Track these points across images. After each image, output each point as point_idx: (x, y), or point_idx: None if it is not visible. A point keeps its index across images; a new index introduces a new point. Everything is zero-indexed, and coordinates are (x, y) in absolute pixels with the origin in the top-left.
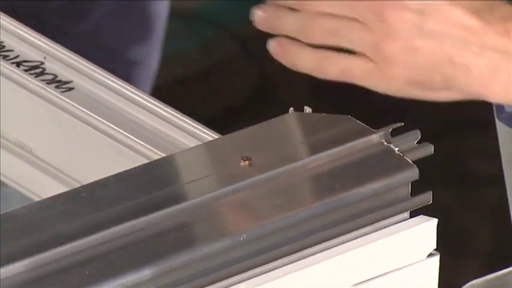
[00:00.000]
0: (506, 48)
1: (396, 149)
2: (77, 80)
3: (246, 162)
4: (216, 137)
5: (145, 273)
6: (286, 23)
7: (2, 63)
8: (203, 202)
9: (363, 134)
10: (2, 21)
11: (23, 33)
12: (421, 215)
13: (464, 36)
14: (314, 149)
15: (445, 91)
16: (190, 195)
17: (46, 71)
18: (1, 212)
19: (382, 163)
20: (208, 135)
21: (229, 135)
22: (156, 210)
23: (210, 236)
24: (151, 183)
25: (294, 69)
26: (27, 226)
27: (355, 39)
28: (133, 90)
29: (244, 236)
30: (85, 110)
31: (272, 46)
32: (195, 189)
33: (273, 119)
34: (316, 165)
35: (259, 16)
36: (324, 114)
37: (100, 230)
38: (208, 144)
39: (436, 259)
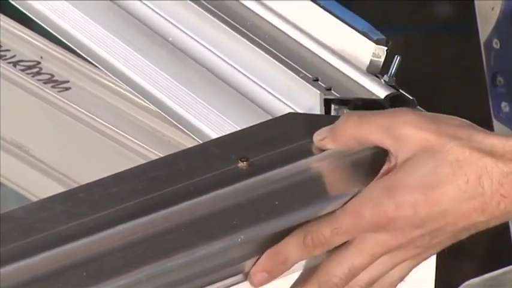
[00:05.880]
0: None
1: None
2: (73, 79)
3: (244, 162)
4: (214, 137)
5: (144, 274)
6: None
7: None
8: (201, 203)
9: None
10: None
11: (19, 33)
12: None
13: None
14: (313, 150)
15: None
16: (188, 196)
17: (42, 71)
18: None
19: (379, 164)
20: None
21: (227, 135)
22: (153, 211)
23: (207, 236)
24: (149, 184)
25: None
26: (24, 227)
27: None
28: (130, 90)
29: (242, 237)
30: (82, 110)
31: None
32: (193, 189)
33: (271, 119)
34: (315, 166)
35: None
36: (323, 114)
37: (97, 230)
38: (206, 144)
39: (433, 258)
